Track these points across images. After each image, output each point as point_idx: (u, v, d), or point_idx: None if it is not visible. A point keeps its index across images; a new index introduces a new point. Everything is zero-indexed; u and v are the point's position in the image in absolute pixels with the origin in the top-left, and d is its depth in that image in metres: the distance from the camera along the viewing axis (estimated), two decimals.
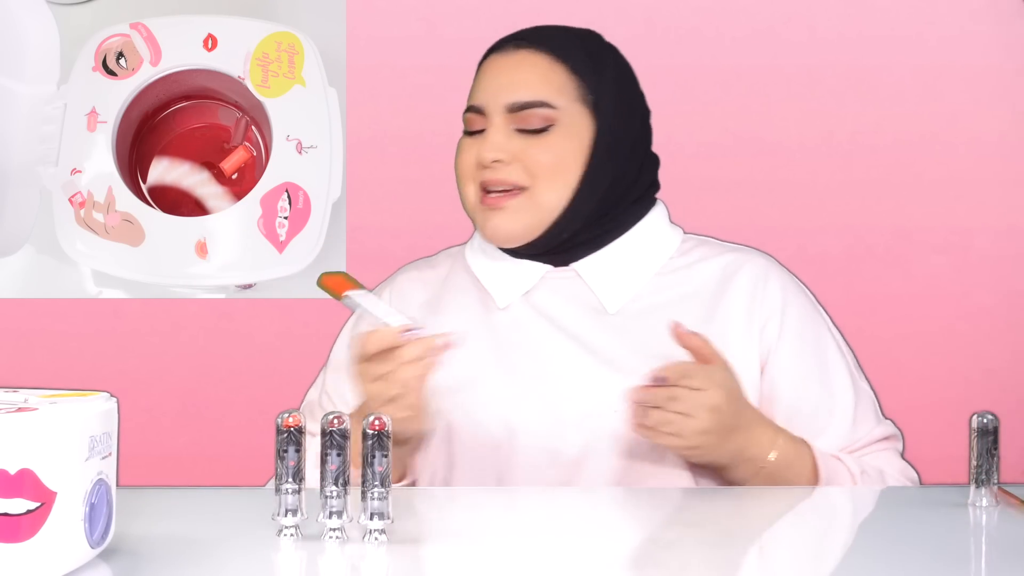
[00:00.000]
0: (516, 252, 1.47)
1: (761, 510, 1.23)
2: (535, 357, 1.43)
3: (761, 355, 1.43)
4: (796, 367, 1.43)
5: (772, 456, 1.34)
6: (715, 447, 1.30)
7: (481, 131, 1.44)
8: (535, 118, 1.42)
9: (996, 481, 1.15)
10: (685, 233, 1.50)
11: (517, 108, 1.42)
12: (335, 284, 1.31)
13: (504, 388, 1.42)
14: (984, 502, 1.14)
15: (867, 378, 1.48)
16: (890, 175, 1.99)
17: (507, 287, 1.47)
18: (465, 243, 1.54)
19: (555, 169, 1.42)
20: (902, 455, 1.46)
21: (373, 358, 1.28)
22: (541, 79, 1.44)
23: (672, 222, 1.50)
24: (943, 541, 1.05)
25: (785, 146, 1.98)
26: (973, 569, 0.98)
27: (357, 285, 1.32)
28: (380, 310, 1.31)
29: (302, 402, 1.54)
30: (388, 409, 1.26)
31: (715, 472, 1.35)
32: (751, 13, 1.98)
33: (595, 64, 1.46)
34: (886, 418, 1.47)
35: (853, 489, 1.36)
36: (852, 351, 1.48)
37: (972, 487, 1.15)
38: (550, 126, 1.42)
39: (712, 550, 1.05)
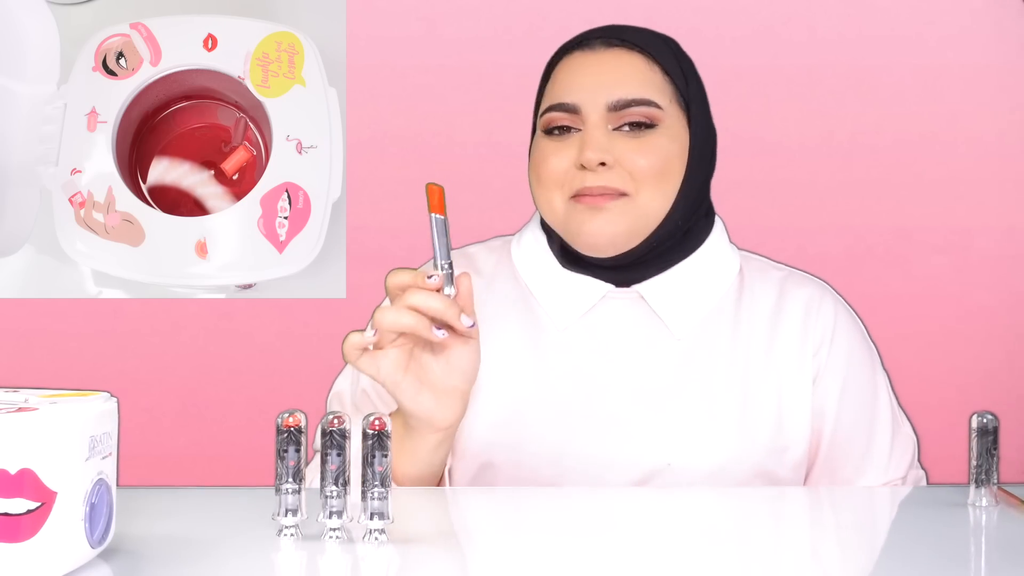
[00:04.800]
0: (580, 265, 1.38)
1: (760, 510, 1.23)
2: (587, 390, 1.34)
3: (812, 381, 1.36)
4: (838, 406, 1.37)
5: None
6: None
7: (567, 130, 1.35)
8: (639, 115, 1.33)
9: (996, 481, 1.15)
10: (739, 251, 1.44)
11: (621, 106, 1.33)
12: (435, 199, 1.19)
13: (551, 425, 1.33)
14: (984, 502, 1.14)
15: (910, 421, 1.44)
16: (890, 175, 1.99)
17: (566, 306, 1.37)
18: (510, 237, 1.46)
19: (660, 174, 1.33)
20: None
21: (394, 298, 1.19)
22: (642, 78, 1.35)
23: (731, 241, 1.44)
24: (943, 541, 1.05)
25: (785, 146, 1.98)
26: (973, 569, 0.98)
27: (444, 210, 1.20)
28: (438, 247, 1.19)
29: (329, 392, 1.46)
30: (366, 361, 1.19)
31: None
32: (751, 13, 1.98)
33: (683, 68, 1.39)
34: (920, 466, 1.43)
35: (853, 489, 1.36)
36: (895, 392, 1.44)
37: (972, 487, 1.15)
38: (653, 127, 1.34)
39: (710, 550, 1.05)
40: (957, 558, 1.00)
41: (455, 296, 1.19)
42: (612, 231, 1.33)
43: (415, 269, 1.20)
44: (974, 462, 1.14)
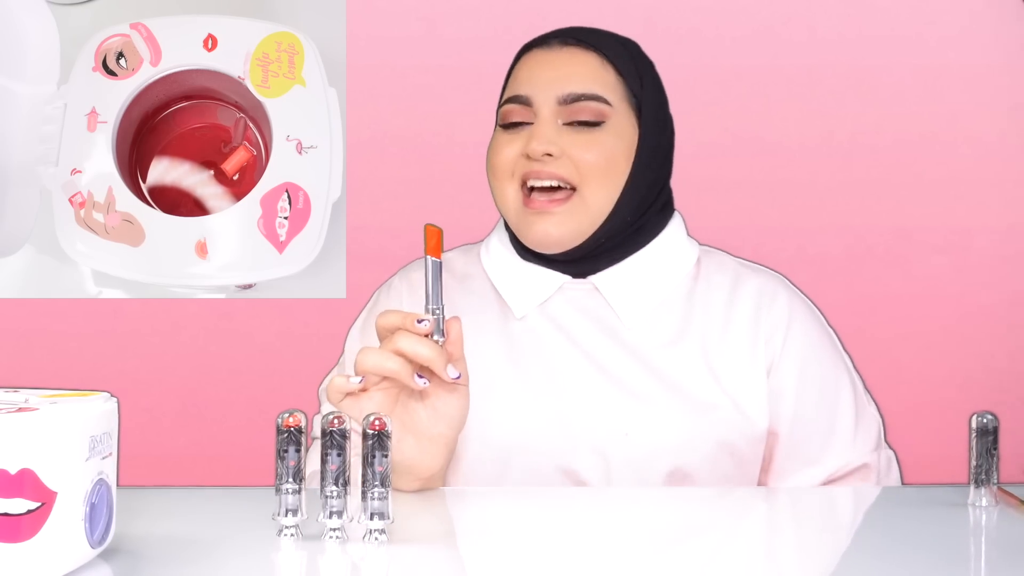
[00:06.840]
0: (539, 258, 1.44)
1: (756, 509, 1.23)
2: (549, 371, 1.40)
3: (766, 370, 1.40)
4: (797, 387, 1.41)
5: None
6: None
7: (521, 124, 1.41)
8: (587, 111, 1.39)
9: (996, 481, 1.15)
10: (700, 245, 1.48)
11: (570, 100, 1.39)
12: (433, 241, 1.17)
13: (517, 401, 1.38)
14: (984, 502, 1.14)
15: (875, 403, 1.46)
16: (890, 175, 1.99)
17: (524, 296, 1.43)
18: (480, 242, 1.51)
19: (605, 168, 1.39)
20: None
21: (383, 339, 1.18)
22: (593, 75, 1.41)
23: (689, 235, 1.48)
24: (943, 541, 1.05)
25: (785, 146, 1.98)
26: (973, 569, 0.98)
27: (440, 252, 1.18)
28: (431, 290, 1.17)
29: (321, 383, 1.46)
30: (349, 404, 1.17)
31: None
32: (751, 13, 1.98)
33: (639, 70, 1.44)
34: (889, 446, 1.45)
35: (853, 488, 1.36)
36: (860, 375, 1.47)
37: (972, 487, 1.15)
38: (601, 123, 1.40)
39: (711, 550, 1.05)
40: (957, 558, 1.00)
41: (444, 342, 1.17)
42: (559, 232, 1.39)
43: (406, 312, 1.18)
44: (974, 462, 1.14)
